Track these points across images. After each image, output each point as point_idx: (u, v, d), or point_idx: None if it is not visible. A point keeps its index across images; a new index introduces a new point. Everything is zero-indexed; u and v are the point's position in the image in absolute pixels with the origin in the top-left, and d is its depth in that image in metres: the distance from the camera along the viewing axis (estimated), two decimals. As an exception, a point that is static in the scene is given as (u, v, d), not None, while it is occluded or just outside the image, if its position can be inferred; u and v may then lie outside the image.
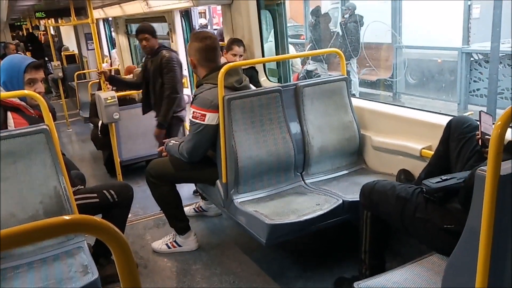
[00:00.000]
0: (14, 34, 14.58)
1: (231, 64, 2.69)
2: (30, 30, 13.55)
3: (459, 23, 7.23)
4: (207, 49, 2.74)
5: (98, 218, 0.79)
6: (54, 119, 2.81)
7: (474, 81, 7.09)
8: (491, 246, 1.28)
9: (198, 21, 5.86)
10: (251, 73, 4.12)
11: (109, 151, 4.57)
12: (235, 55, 3.95)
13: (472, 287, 1.34)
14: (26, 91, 2.37)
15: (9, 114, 2.41)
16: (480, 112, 2.04)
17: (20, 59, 2.61)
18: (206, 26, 9.56)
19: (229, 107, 2.62)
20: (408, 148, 2.73)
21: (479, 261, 1.30)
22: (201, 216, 3.59)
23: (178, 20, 5.44)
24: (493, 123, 1.85)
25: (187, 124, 4.61)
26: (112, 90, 4.77)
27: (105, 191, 2.61)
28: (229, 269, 2.85)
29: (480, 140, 2.00)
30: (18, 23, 13.50)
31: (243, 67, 4.05)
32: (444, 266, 1.77)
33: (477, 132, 2.05)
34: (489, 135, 1.85)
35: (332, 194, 2.66)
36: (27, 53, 9.74)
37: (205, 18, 12.00)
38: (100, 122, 4.67)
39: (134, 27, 7.86)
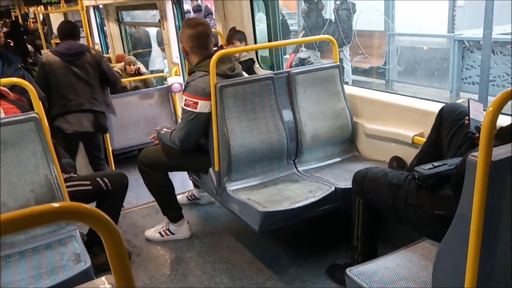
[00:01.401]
0: (2, 22, 14.34)
1: (223, 51, 2.67)
2: (20, 18, 13.33)
3: (445, 11, 7.31)
4: (199, 36, 2.71)
5: (88, 206, 0.78)
6: (45, 107, 2.79)
7: (466, 68, 7.12)
8: (482, 232, 1.29)
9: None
10: (249, 64, 4.09)
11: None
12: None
13: (462, 272, 1.35)
14: (15, 79, 2.34)
15: None
16: (469, 99, 2.06)
17: None
18: (189, 11, 9.45)
19: (222, 95, 2.60)
20: (400, 135, 2.74)
21: (470, 246, 1.31)
22: (194, 204, 3.59)
23: (169, 7, 5.38)
24: (484, 110, 1.86)
25: (179, 112, 4.59)
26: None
27: (98, 179, 2.59)
28: (222, 256, 2.85)
29: (468, 125, 2.01)
30: (10, 10, 13.26)
31: (242, 59, 4.03)
32: (435, 251, 1.78)
33: (467, 117, 2.06)
34: (481, 122, 1.86)
35: (324, 182, 2.67)
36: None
37: (191, 4, 11.81)
38: (91, 111, 4.63)
39: (125, 14, 7.78)
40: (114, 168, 4.31)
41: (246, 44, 3.98)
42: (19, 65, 3.35)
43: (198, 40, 2.72)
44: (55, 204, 0.73)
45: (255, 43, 4.18)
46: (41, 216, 0.71)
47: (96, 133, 3.88)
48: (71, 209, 0.75)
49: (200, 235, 3.14)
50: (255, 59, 4.23)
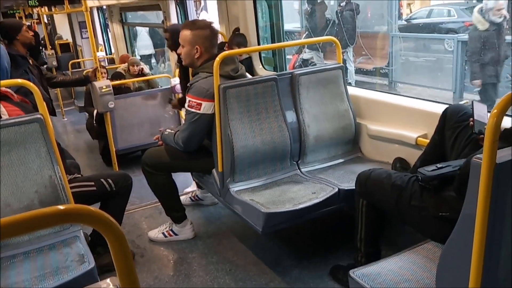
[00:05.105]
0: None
1: (226, 52, 2.67)
2: (24, 19, 13.38)
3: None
4: (213, 35, 2.73)
5: (93, 207, 0.78)
6: (49, 108, 2.80)
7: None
8: (486, 233, 1.29)
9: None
10: (248, 63, 4.09)
11: (105, 140, 4.54)
12: None
13: (467, 273, 1.35)
14: (20, 80, 2.35)
15: None
16: (472, 101, 2.06)
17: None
18: None
19: (225, 96, 2.61)
20: (403, 137, 2.73)
21: (474, 248, 1.31)
22: (197, 205, 3.59)
23: (173, 8, 5.39)
24: (489, 112, 1.86)
25: (183, 114, 4.59)
26: (107, 79, 4.73)
27: (102, 180, 2.60)
28: (225, 257, 2.86)
29: (473, 127, 2.01)
30: (11, 12, 13.29)
31: (241, 58, 4.02)
32: (439, 253, 1.78)
33: (471, 118, 2.06)
34: (485, 124, 1.86)
35: (328, 183, 2.66)
36: None
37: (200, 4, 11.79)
38: (95, 112, 4.64)
39: (129, 15, 7.80)
40: (117, 169, 4.31)
41: (246, 47, 3.97)
42: (25, 69, 3.36)
43: (212, 39, 2.73)
44: (61, 207, 0.73)
45: (259, 44, 4.18)
46: (46, 219, 0.71)
47: None
48: (76, 212, 0.75)
49: (203, 236, 3.14)
50: (253, 58, 4.22)
